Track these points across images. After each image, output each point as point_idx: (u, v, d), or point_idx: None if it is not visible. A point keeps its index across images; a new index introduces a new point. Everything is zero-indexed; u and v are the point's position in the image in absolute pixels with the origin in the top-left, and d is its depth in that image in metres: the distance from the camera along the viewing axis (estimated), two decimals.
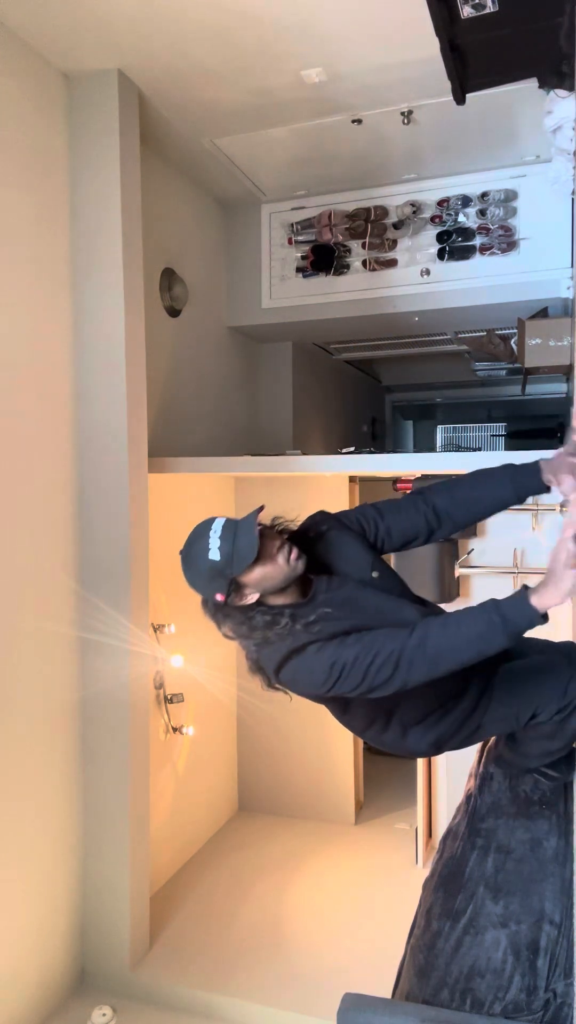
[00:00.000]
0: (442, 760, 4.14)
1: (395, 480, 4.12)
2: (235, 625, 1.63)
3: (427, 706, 1.72)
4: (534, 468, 1.57)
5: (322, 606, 1.58)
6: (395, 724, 1.77)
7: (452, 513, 1.68)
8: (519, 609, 1.38)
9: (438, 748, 1.81)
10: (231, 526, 1.57)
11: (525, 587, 1.39)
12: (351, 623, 1.56)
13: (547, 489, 1.56)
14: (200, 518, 1.66)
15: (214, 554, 1.54)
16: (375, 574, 1.70)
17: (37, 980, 3.05)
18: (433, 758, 4.20)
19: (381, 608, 1.62)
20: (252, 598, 1.60)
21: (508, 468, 1.62)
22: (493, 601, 1.42)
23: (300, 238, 4.61)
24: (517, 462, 1.63)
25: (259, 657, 1.65)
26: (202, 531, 1.59)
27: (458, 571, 4.09)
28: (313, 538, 1.68)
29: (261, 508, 1.58)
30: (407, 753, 1.95)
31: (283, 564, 1.57)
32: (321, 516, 1.76)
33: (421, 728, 1.75)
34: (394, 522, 1.71)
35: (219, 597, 1.59)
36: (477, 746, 2.58)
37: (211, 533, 1.57)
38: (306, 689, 1.70)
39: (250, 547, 1.52)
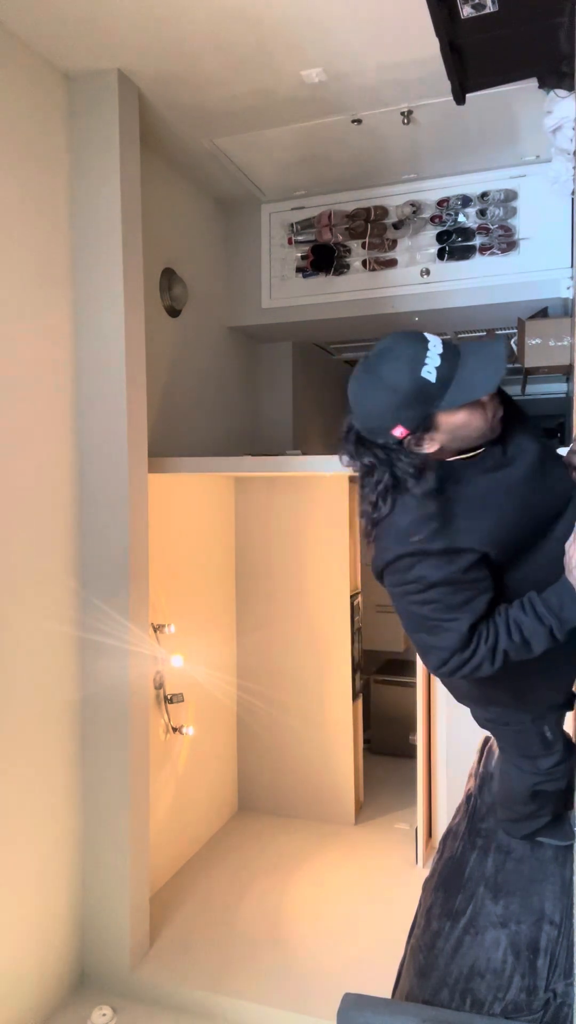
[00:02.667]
0: (442, 760, 4.14)
1: None
2: (396, 468, 1.29)
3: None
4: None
5: (490, 473, 1.30)
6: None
7: None
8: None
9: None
10: (455, 348, 1.25)
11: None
12: (498, 523, 1.29)
13: None
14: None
15: (428, 372, 1.21)
16: (541, 437, 1.40)
17: (37, 980, 3.05)
18: (433, 758, 4.20)
19: (558, 482, 1.34)
20: (434, 447, 1.28)
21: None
22: (547, 607, 1.30)
23: (300, 238, 4.61)
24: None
25: (378, 536, 1.35)
26: (413, 341, 1.24)
27: None
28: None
29: (505, 338, 1.31)
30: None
31: (488, 419, 1.28)
32: None
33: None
34: None
35: (399, 431, 1.25)
36: (477, 746, 2.57)
37: (430, 346, 1.22)
38: (391, 589, 1.39)
39: (486, 380, 1.21)
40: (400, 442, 1.28)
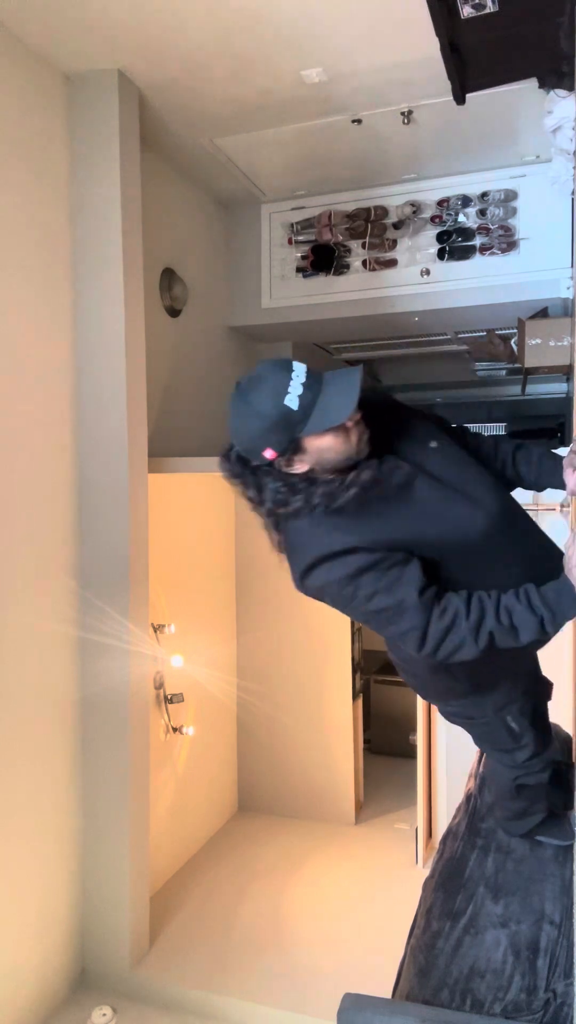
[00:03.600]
0: (442, 760, 4.14)
1: None
2: (265, 492, 1.38)
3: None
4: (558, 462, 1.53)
5: (367, 490, 1.35)
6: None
7: (498, 456, 1.63)
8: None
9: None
10: (318, 376, 1.32)
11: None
12: (393, 528, 1.36)
13: (562, 484, 1.53)
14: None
15: (291, 400, 1.29)
16: (433, 443, 1.47)
17: (37, 980, 3.05)
18: (433, 758, 4.20)
19: (437, 502, 1.39)
20: (302, 468, 1.37)
21: (545, 453, 1.60)
22: (542, 599, 1.33)
23: (300, 238, 4.61)
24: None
25: (285, 546, 1.44)
26: (278, 370, 1.32)
27: None
28: (373, 412, 1.43)
29: (364, 366, 1.36)
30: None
31: (353, 441, 1.35)
32: (373, 386, 1.56)
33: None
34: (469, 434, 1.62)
35: (270, 454, 1.33)
36: (477, 747, 2.57)
37: (293, 375, 1.30)
38: (336, 607, 1.47)
39: (343, 408, 1.28)
40: (271, 463, 1.36)
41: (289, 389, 1.29)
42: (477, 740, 1.93)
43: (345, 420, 1.30)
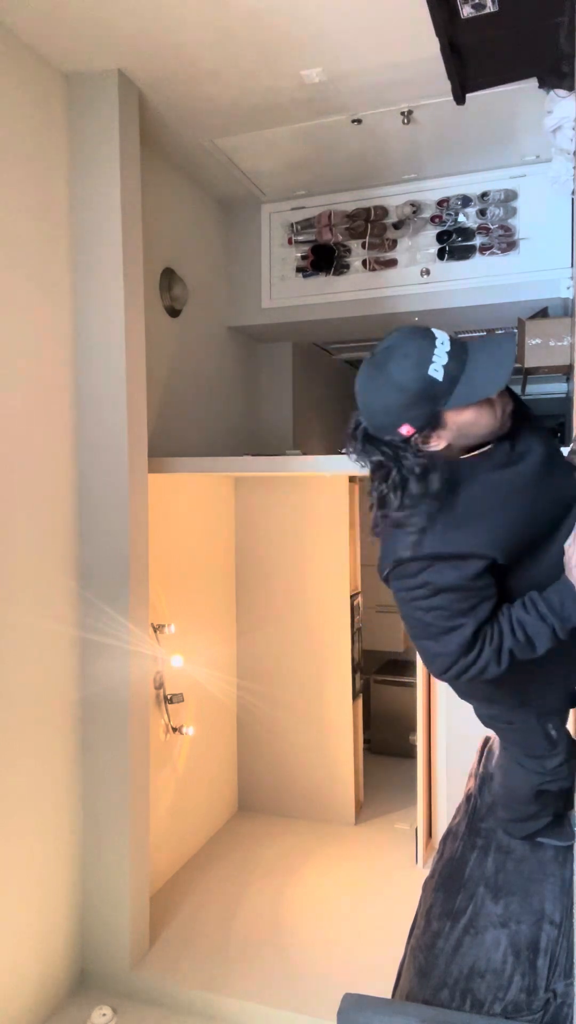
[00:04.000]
0: (442, 760, 4.14)
1: None
2: (397, 474, 1.26)
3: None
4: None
5: (499, 471, 1.27)
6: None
7: None
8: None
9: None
10: (462, 345, 1.22)
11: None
12: (517, 515, 1.27)
13: None
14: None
15: (436, 371, 1.17)
16: (541, 429, 1.37)
17: (37, 980, 3.05)
18: (433, 758, 4.20)
19: (560, 482, 1.30)
20: (441, 444, 1.26)
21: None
22: (548, 607, 1.29)
23: (300, 238, 4.61)
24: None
25: (384, 536, 1.33)
26: (420, 337, 1.20)
27: None
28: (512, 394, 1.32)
29: (515, 334, 1.28)
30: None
31: (498, 416, 1.25)
32: None
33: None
34: None
35: (407, 430, 1.22)
36: (477, 746, 2.57)
37: (438, 343, 1.19)
38: (396, 598, 1.37)
39: (495, 379, 1.18)
40: (407, 440, 1.25)
41: (434, 358, 1.18)
42: (508, 744, 1.88)
43: (497, 391, 1.20)
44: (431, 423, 1.23)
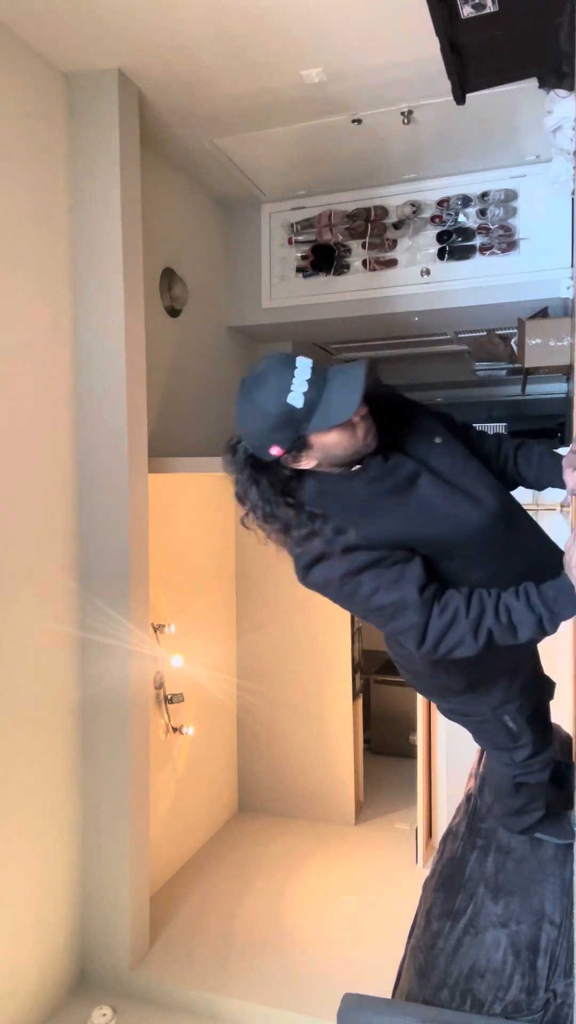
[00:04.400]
0: (442, 760, 4.14)
1: None
2: (267, 492, 1.36)
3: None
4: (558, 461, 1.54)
5: (372, 485, 1.35)
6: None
7: (500, 453, 1.63)
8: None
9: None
10: (322, 372, 1.30)
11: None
12: (395, 524, 1.35)
13: (562, 484, 1.53)
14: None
15: (295, 398, 1.27)
16: (437, 439, 1.47)
17: (37, 980, 3.05)
18: (433, 758, 4.20)
19: (440, 498, 1.38)
20: (310, 464, 1.36)
21: (545, 451, 1.60)
22: (541, 598, 1.33)
23: (300, 238, 4.61)
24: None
25: (289, 545, 1.42)
26: (282, 366, 1.30)
27: None
28: (379, 406, 1.41)
29: (369, 362, 1.32)
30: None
31: (360, 436, 1.34)
32: (382, 384, 1.51)
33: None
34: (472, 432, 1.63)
35: (275, 451, 1.32)
36: (477, 746, 2.57)
37: (296, 372, 1.28)
38: (338, 603, 1.47)
39: (347, 405, 1.27)
40: (278, 460, 1.35)
41: (292, 387, 1.27)
42: (476, 738, 1.93)
43: (350, 417, 1.28)
44: (296, 445, 1.32)
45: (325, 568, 1.37)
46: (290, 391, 1.27)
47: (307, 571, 1.40)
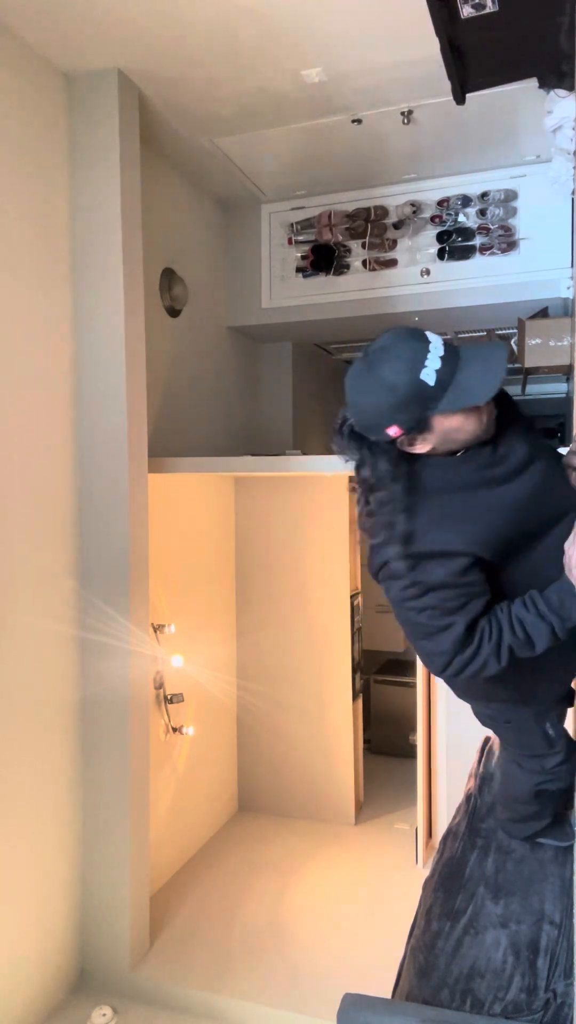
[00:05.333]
0: (442, 760, 4.14)
1: None
2: (380, 474, 1.27)
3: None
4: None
5: (482, 471, 1.27)
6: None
7: None
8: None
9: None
10: (455, 351, 1.22)
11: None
12: (496, 517, 1.28)
13: None
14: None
15: (428, 375, 1.18)
16: (530, 431, 1.38)
17: (37, 980, 3.05)
18: (433, 758, 4.20)
19: (547, 485, 1.32)
20: (426, 447, 1.27)
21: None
22: (547, 604, 1.30)
23: (300, 238, 4.61)
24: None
25: (373, 535, 1.34)
26: (414, 340, 1.20)
27: None
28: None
29: (507, 345, 1.29)
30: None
31: (483, 422, 1.26)
32: None
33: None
34: None
35: (393, 431, 1.23)
36: (477, 746, 2.58)
37: (431, 347, 1.19)
38: (388, 596, 1.38)
39: (487, 387, 1.19)
40: (392, 441, 1.27)
41: (427, 362, 1.18)
42: (508, 744, 1.88)
43: (485, 400, 1.20)
44: (418, 426, 1.24)
45: (407, 566, 1.30)
46: (424, 366, 1.18)
47: (383, 564, 1.33)
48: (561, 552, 1.30)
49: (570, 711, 2.28)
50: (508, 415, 1.40)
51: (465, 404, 1.21)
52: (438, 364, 1.19)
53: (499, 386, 1.20)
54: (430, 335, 1.23)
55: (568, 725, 2.24)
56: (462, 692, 1.71)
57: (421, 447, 1.27)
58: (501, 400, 1.40)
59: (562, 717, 1.75)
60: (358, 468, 1.33)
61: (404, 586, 1.33)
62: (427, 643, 1.36)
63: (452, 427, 1.25)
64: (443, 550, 1.28)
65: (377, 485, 1.29)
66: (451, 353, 1.21)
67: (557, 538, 1.33)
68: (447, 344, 1.23)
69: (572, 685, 1.90)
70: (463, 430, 1.26)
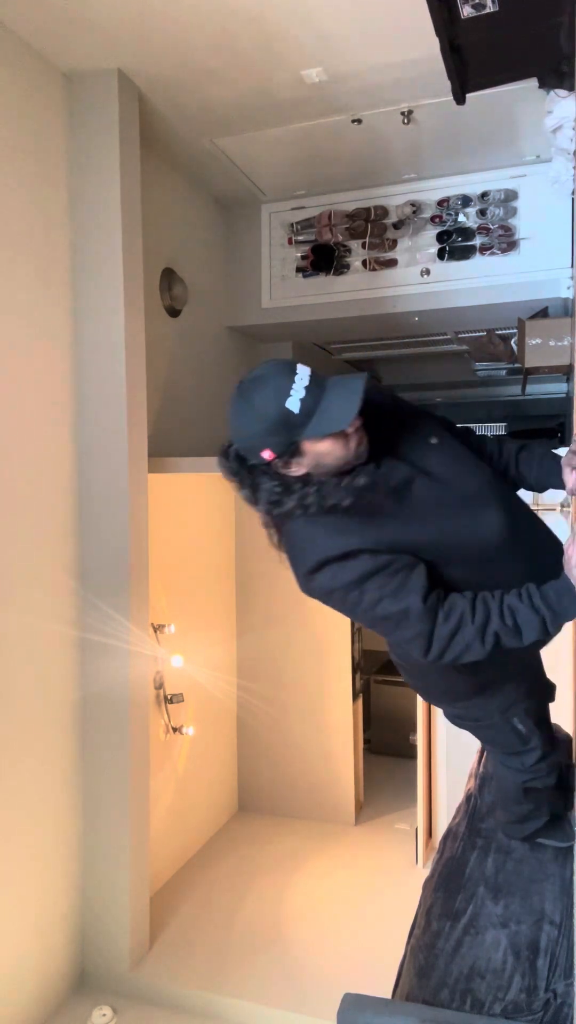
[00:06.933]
0: (442, 760, 4.14)
1: None
2: (260, 492, 1.37)
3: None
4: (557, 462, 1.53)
5: (364, 492, 1.34)
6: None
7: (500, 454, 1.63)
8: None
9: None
10: (321, 381, 1.31)
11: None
12: (394, 530, 1.35)
13: (562, 485, 1.52)
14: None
15: (293, 403, 1.27)
16: (433, 440, 1.47)
17: (37, 980, 3.05)
18: (433, 758, 4.20)
19: (436, 501, 1.38)
20: (301, 470, 1.36)
21: (547, 453, 1.60)
22: (543, 598, 1.33)
23: (300, 238, 4.61)
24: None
25: (286, 547, 1.44)
26: (281, 371, 1.30)
27: None
28: (374, 411, 1.41)
29: (370, 376, 1.32)
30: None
31: (352, 447, 1.34)
32: (375, 385, 1.48)
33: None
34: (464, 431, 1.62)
35: (268, 455, 1.33)
36: (477, 746, 2.57)
37: (296, 377, 1.29)
38: (341, 611, 1.46)
39: (344, 414, 1.28)
40: (269, 464, 1.35)
41: (291, 392, 1.27)
42: (485, 743, 1.92)
43: (345, 427, 1.29)
44: (289, 451, 1.32)
45: (328, 576, 1.37)
46: (289, 395, 1.27)
47: (309, 579, 1.40)
48: (506, 542, 1.38)
49: (571, 712, 2.28)
50: (400, 426, 1.46)
51: (326, 431, 1.30)
52: (303, 393, 1.28)
53: (354, 415, 1.28)
54: (299, 367, 1.32)
55: (568, 726, 2.24)
56: (429, 694, 1.77)
57: (296, 470, 1.36)
58: (393, 410, 1.48)
59: (530, 713, 1.76)
60: (239, 488, 1.42)
61: (339, 593, 1.38)
62: (401, 632, 1.39)
63: (322, 451, 1.33)
64: (350, 550, 1.35)
65: (259, 505, 1.39)
66: (317, 383, 1.30)
67: (499, 545, 1.39)
68: (314, 375, 1.31)
69: (549, 680, 1.92)
70: (332, 455, 1.33)
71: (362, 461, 1.37)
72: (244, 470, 1.39)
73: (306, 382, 1.29)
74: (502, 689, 1.69)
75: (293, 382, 1.28)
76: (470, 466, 1.47)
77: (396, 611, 1.34)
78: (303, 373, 1.30)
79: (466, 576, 1.40)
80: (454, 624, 1.34)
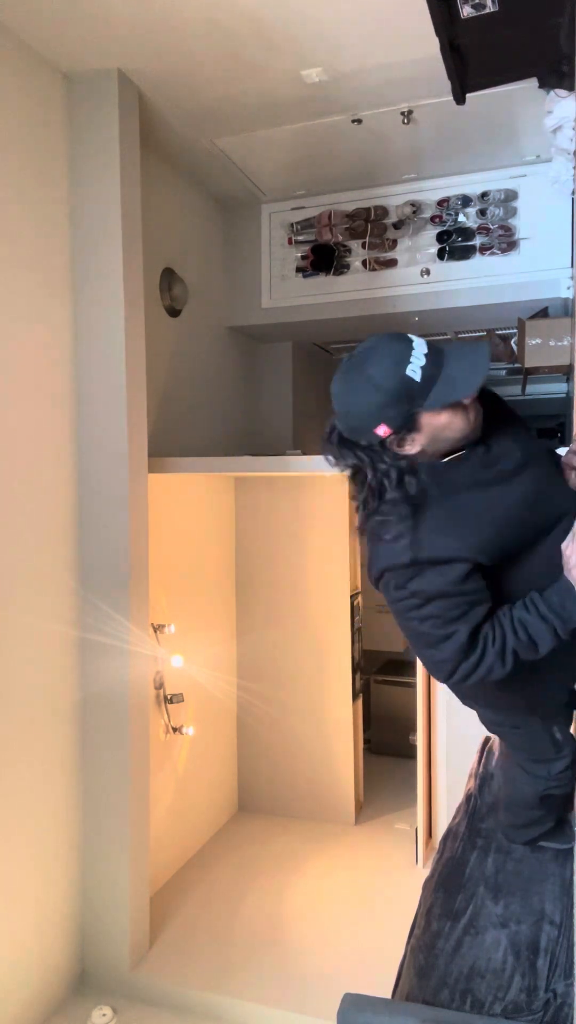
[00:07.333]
0: (442, 760, 4.14)
1: None
2: (378, 475, 1.28)
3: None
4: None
5: (477, 473, 1.28)
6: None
7: None
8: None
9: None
10: (438, 349, 1.24)
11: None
12: (496, 519, 1.29)
13: None
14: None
15: (414, 371, 1.20)
16: (524, 433, 1.39)
17: (37, 980, 3.05)
18: (433, 758, 4.20)
19: (542, 487, 1.32)
20: (415, 448, 1.28)
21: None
22: (548, 605, 1.30)
23: (300, 238, 4.61)
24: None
25: (376, 534, 1.33)
26: (396, 339, 1.24)
27: None
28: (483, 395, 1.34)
29: (489, 343, 1.32)
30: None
31: (471, 420, 1.27)
32: None
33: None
34: None
35: (383, 431, 1.24)
36: (477, 746, 2.58)
37: (415, 345, 1.22)
38: (390, 605, 1.39)
39: (471, 381, 1.21)
40: (383, 442, 1.27)
41: (412, 359, 1.21)
42: (514, 750, 1.87)
43: (473, 393, 1.22)
44: (407, 425, 1.25)
45: (402, 576, 1.31)
46: (409, 363, 1.20)
47: (390, 570, 1.33)
48: (558, 555, 1.30)
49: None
50: (501, 417, 1.40)
51: (452, 398, 1.23)
52: (423, 361, 1.21)
53: (482, 381, 1.22)
54: (413, 336, 1.26)
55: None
56: (467, 698, 1.70)
57: (411, 447, 1.28)
58: (493, 402, 1.41)
59: (568, 721, 1.74)
60: (352, 476, 1.34)
61: (405, 596, 1.33)
62: (431, 652, 1.36)
63: (440, 424, 1.26)
64: (443, 557, 1.29)
65: (371, 491, 1.30)
66: (435, 351, 1.24)
67: (554, 541, 1.33)
68: (431, 344, 1.25)
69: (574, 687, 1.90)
70: (451, 427, 1.27)
71: (478, 436, 1.30)
72: (351, 452, 1.30)
73: (424, 349, 1.23)
74: (548, 698, 1.64)
75: (412, 349, 1.21)
76: (551, 467, 1.42)
77: (441, 634, 1.31)
78: (419, 341, 1.24)
79: (524, 586, 1.35)
80: (478, 654, 1.31)
